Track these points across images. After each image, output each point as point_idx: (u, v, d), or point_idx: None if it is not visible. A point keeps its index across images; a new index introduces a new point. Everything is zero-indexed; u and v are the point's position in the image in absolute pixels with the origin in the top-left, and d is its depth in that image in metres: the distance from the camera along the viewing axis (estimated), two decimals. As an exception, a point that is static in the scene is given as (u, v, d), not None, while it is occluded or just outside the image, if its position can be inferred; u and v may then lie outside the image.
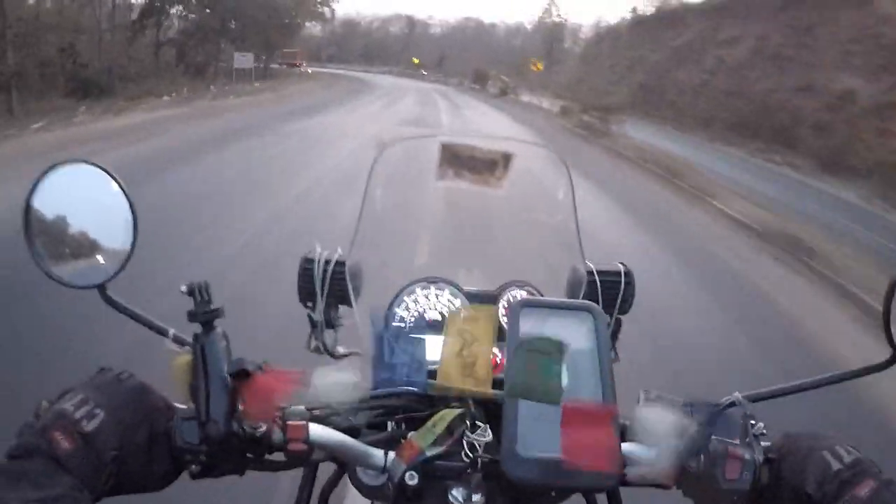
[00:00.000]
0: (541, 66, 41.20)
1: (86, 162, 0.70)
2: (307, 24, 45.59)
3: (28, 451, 0.53)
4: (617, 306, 0.95)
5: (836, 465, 0.61)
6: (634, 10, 41.87)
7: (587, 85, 36.75)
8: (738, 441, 0.66)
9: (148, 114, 15.40)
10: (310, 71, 49.38)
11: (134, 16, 27.19)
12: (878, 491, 0.58)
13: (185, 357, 0.64)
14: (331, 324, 0.94)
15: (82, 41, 20.86)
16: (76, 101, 16.70)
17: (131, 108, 15.98)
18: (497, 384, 0.70)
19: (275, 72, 40.65)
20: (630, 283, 0.96)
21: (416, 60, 73.41)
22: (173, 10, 29.52)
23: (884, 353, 0.68)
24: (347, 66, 79.78)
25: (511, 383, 0.67)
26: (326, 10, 42.34)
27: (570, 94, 32.85)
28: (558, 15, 70.31)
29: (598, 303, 0.88)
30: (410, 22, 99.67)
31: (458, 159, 0.94)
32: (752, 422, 0.68)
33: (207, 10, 30.25)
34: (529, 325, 0.70)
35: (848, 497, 0.58)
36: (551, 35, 68.77)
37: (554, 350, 0.68)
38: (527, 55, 57.83)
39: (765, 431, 0.68)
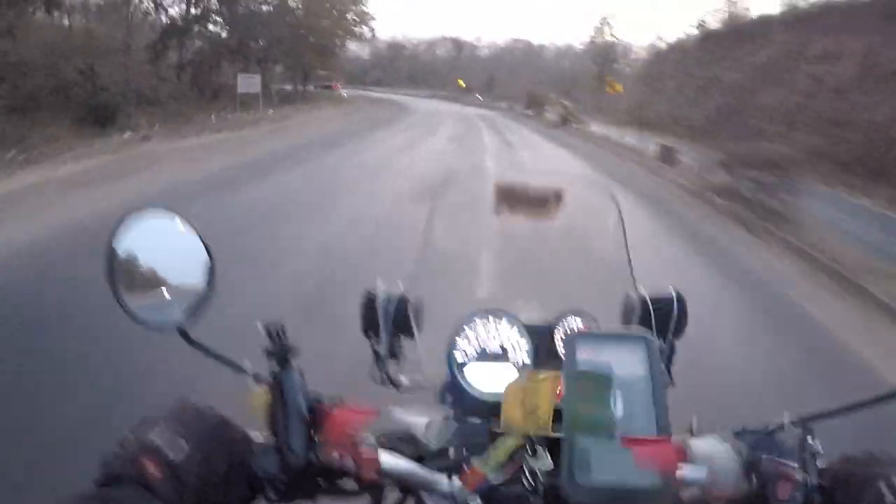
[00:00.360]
0: (620, 88, 36.15)
1: (165, 209, 0.74)
2: (350, 46, 43.88)
3: (118, 479, 0.57)
4: (671, 331, 0.96)
5: (890, 499, 0.60)
6: (702, 23, 37.58)
7: (652, 110, 32.82)
8: (791, 462, 0.68)
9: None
10: (345, 95, 47.04)
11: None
12: None
13: (263, 392, 0.69)
14: (394, 355, 0.96)
15: (105, 64, 18.54)
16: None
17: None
18: (557, 413, 0.72)
19: (308, 95, 38.47)
20: (682, 307, 0.97)
21: (461, 83, 70.38)
22: (197, 29, 27.10)
23: None
24: (391, 89, 77.90)
25: (566, 415, 0.69)
26: (365, 29, 39.79)
27: (637, 120, 28.94)
28: (612, 34, 65.88)
29: (651, 329, 0.93)
30: (457, 44, 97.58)
31: (513, 197, 1.01)
32: (810, 439, 0.69)
33: (227, 28, 27.65)
34: (585, 356, 0.73)
35: None
36: (604, 55, 64.58)
37: (604, 382, 0.70)
38: (577, 77, 54.23)
39: (821, 451, 0.69)
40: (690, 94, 30.34)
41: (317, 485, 0.70)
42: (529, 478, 0.70)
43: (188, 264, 0.73)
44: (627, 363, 0.73)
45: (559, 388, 0.75)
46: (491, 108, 51.64)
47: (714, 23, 35.40)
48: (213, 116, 20.20)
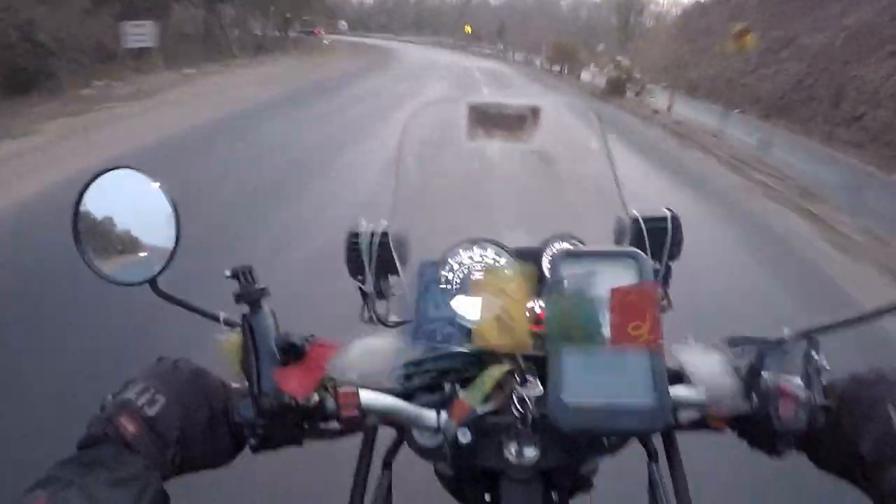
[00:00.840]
0: (749, 41, 14.53)
1: (128, 168, 0.74)
2: None
3: (97, 440, 0.58)
4: (666, 252, 0.94)
5: None
6: None
7: (696, 71, 26.58)
8: (794, 379, 0.65)
9: None
10: (326, 42, 40.49)
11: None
12: None
13: (234, 337, 0.68)
14: (382, 294, 0.95)
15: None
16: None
17: None
18: (543, 337, 0.70)
19: (281, 43, 32.24)
20: (677, 227, 0.94)
21: (468, 28, 63.02)
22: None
23: None
24: (394, 35, 71.17)
25: (550, 331, 0.68)
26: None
27: (684, 84, 22.19)
28: None
29: (645, 250, 0.89)
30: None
31: (487, 119, 0.96)
32: (814, 355, 0.66)
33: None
34: (572, 275, 0.70)
35: None
36: (628, 5, 56.53)
37: (587, 292, 0.68)
38: (596, 28, 47.03)
39: (827, 367, 0.66)
40: (753, 57, 24.06)
41: (300, 428, 0.67)
42: (518, 405, 0.68)
43: (154, 221, 0.72)
44: (618, 281, 0.69)
45: (536, 311, 0.77)
46: (503, 60, 42.52)
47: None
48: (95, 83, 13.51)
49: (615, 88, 20.70)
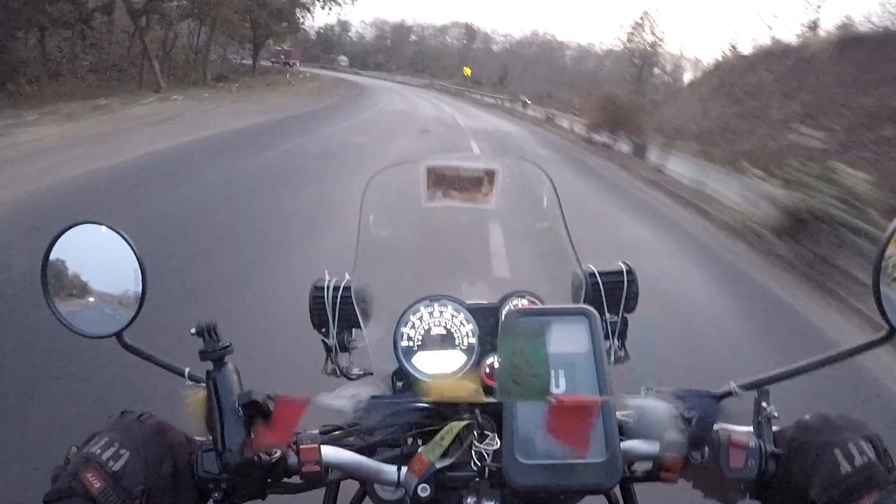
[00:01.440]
0: None
1: (97, 223, 0.75)
2: (355, 26, 34.49)
3: (63, 494, 0.59)
4: (622, 305, 0.96)
5: (845, 468, 0.60)
6: (848, 20, 23.88)
7: (749, 140, 20.32)
8: (744, 428, 0.68)
9: None
10: (301, 76, 35.55)
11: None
12: None
13: (199, 392, 0.70)
14: (345, 347, 0.97)
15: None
16: None
17: None
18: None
19: (244, 74, 26.66)
20: (633, 280, 0.96)
21: (467, 71, 57.83)
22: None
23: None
24: (388, 75, 66.27)
25: (500, 384, 0.69)
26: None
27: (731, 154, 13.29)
28: (653, 32, 51.32)
29: (602, 304, 0.93)
30: (469, 31, 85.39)
31: (444, 180, 0.97)
32: (765, 405, 0.68)
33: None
34: (525, 332, 0.72)
35: None
36: (642, 58, 50.84)
37: (537, 348, 0.70)
38: (607, 81, 41.28)
39: (776, 415, 0.68)
40: (838, 125, 17.78)
41: (263, 483, 0.69)
42: (477, 459, 0.69)
43: (122, 274, 0.74)
44: (571, 338, 0.72)
45: (494, 366, 0.83)
46: (509, 114, 31.20)
47: (853, 24, 22.42)
48: None
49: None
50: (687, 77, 48.28)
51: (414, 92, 42.47)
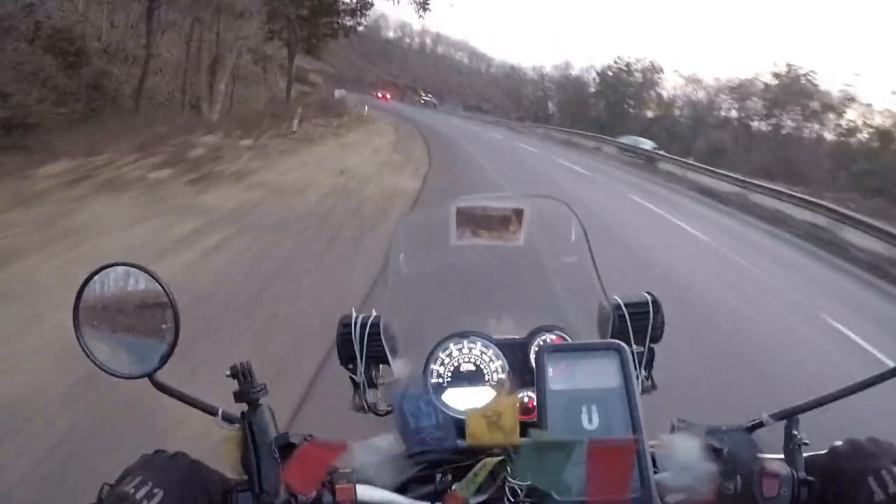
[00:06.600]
0: None
1: (128, 264, 0.75)
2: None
3: None
4: (648, 336, 0.97)
5: (879, 496, 0.59)
6: None
7: None
8: (775, 457, 0.69)
9: None
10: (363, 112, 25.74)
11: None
12: None
13: (234, 433, 0.71)
14: (372, 383, 0.98)
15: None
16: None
17: None
18: (533, 427, 0.72)
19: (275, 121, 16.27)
20: (658, 310, 0.98)
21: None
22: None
23: None
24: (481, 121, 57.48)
25: (536, 436, 0.70)
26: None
27: None
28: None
29: (628, 335, 0.94)
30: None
31: (473, 219, 1.00)
32: (795, 433, 0.69)
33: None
34: (558, 371, 0.74)
35: None
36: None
37: (576, 403, 0.71)
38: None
39: (807, 442, 0.69)
40: None
41: None
42: (510, 496, 0.69)
43: (155, 315, 0.74)
44: (601, 374, 0.73)
45: (524, 401, 0.85)
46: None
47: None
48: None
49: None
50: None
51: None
